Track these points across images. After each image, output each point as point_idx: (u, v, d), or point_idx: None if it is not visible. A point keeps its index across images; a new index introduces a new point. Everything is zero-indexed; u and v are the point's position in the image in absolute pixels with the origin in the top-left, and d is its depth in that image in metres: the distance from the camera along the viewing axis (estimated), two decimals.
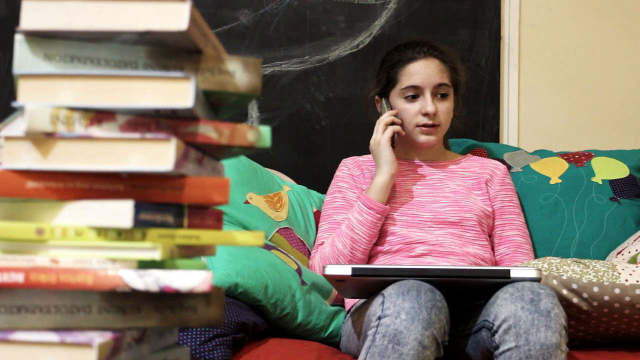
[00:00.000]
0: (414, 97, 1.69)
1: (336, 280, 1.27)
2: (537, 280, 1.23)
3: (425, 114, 1.68)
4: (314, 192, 1.96)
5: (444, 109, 1.70)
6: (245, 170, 1.77)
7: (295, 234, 1.77)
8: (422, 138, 1.71)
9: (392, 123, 1.69)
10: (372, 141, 1.70)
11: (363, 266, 1.26)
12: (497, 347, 1.19)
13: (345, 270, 1.22)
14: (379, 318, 1.18)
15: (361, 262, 1.63)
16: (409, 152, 1.79)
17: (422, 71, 1.69)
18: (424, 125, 1.69)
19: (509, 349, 1.17)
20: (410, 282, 1.21)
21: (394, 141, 1.69)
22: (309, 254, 1.77)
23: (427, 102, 1.68)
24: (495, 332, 1.20)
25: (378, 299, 1.22)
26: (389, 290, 1.21)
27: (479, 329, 1.26)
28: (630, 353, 1.41)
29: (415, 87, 1.69)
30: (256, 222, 1.70)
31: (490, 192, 1.75)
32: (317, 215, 1.86)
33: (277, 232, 1.73)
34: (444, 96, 1.71)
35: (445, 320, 1.20)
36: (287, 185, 1.90)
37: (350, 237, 1.62)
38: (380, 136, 1.68)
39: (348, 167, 1.79)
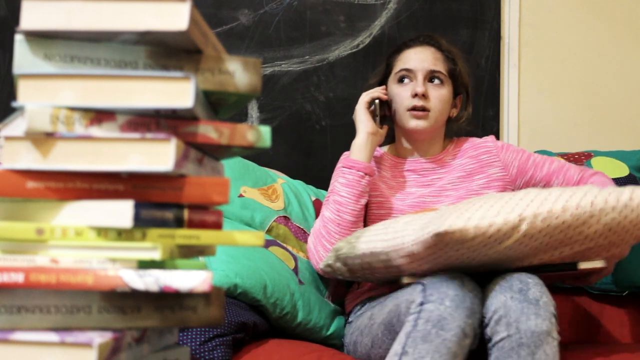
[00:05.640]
0: (409, 80, 1.70)
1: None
2: (604, 268, 1.31)
3: (415, 95, 1.67)
4: (310, 186, 1.95)
5: (438, 95, 1.69)
6: (237, 166, 1.77)
7: (294, 223, 1.77)
8: (412, 123, 1.68)
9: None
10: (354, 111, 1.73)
11: None
12: (490, 339, 1.21)
13: None
14: (421, 304, 1.20)
15: (351, 225, 1.60)
16: (407, 147, 1.77)
17: (415, 56, 1.71)
18: (414, 109, 1.68)
19: (501, 339, 1.19)
20: (451, 272, 1.25)
21: (376, 108, 1.70)
22: None
23: (418, 84, 1.68)
24: (487, 324, 1.22)
25: (416, 287, 1.25)
26: (430, 279, 1.24)
27: None
28: (631, 354, 1.41)
29: (407, 70, 1.69)
30: (253, 213, 1.69)
31: (501, 164, 1.71)
32: (316, 203, 1.85)
33: (275, 220, 1.72)
34: (439, 84, 1.70)
35: (480, 314, 1.22)
36: (281, 178, 1.89)
37: (336, 201, 1.62)
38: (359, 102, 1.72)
39: None
